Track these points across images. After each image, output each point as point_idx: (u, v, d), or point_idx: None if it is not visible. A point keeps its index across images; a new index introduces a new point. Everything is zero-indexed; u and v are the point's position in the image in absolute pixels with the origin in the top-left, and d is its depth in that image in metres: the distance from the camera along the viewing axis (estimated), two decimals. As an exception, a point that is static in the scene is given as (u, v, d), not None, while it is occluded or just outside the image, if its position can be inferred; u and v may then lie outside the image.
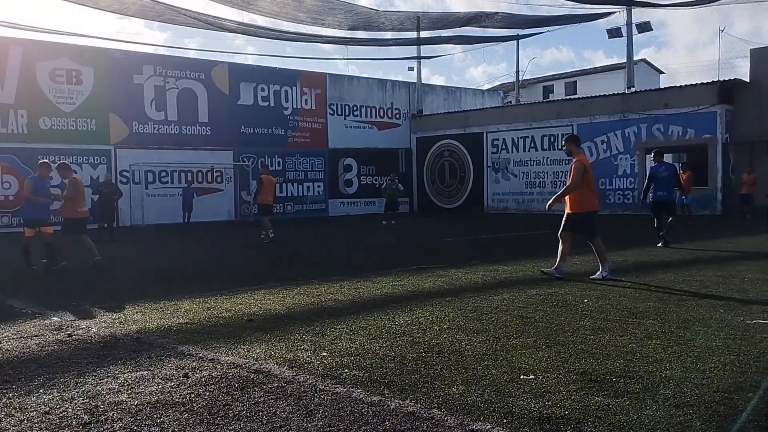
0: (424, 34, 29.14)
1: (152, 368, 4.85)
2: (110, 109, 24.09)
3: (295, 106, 28.96)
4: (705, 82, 24.16)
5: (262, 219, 16.86)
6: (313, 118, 29.58)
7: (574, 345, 5.28)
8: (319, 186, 29.75)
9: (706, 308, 6.69)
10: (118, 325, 6.50)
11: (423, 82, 33.69)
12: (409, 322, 6.33)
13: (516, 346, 5.27)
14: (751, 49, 24.39)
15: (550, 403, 3.91)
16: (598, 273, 8.98)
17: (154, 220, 24.04)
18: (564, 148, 9.82)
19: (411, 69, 34.66)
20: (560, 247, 9.14)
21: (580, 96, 35.59)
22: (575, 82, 49.58)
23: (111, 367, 4.90)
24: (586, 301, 7.27)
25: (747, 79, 23.72)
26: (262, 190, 16.68)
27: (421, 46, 31.54)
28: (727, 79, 24.16)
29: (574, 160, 9.15)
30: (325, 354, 5.14)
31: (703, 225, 19.03)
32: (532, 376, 4.44)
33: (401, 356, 5.03)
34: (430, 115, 32.86)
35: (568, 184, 9.20)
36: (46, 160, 11.88)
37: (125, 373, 4.74)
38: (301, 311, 7.08)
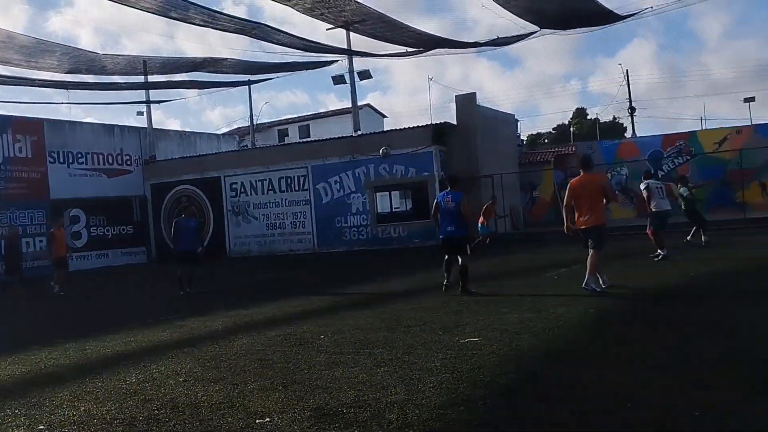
0: (154, 77, 28.24)
1: None
2: None
3: (6, 155, 26.11)
4: (421, 125, 26.60)
5: (59, 272, 17.14)
6: (30, 168, 26.89)
7: (310, 381, 5.44)
8: (41, 241, 27.00)
9: (428, 332, 7.31)
10: None
11: (157, 126, 32.55)
12: (142, 379, 6.02)
13: (253, 391, 5.28)
14: (455, 96, 27.45)
15: (284, 443, 3.98)
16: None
17: None
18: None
19: (140, 113, 33.32)
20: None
21: (313, 139, 37.02)
22: (308, 125, 51.45)
23: None
24: (322, 337, 7.53)
25: (455, 122, 26.58)
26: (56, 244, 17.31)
27: (155, 90, 30.48)
28: (438, 122, 26.82)
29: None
30: (42, 428, 4.68)
31: (427, 256, 20.78)
32: (267, 419, 4.48)
33: (131, 417, 4.76)
34: (164, 161, 31.75)
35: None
36: None
37: None
38: (15, 382, 6.35)
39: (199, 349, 7.36)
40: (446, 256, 10.87)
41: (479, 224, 20.00)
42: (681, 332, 6.40)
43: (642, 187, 14.33)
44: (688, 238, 15.75)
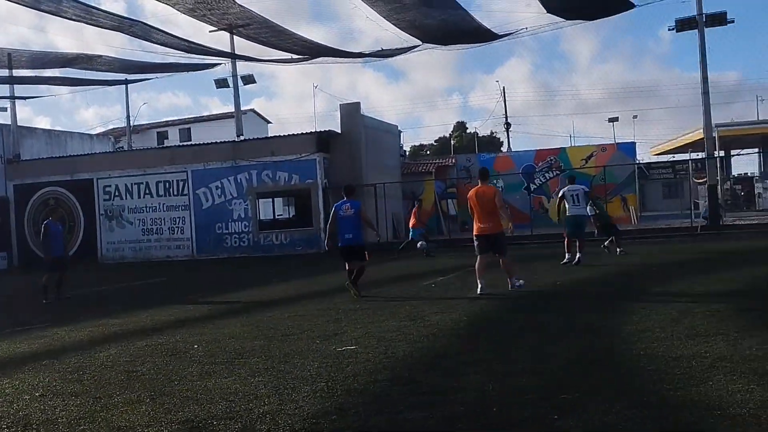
0: (20, 72, 26.44)
1: None
2: None
3: None
4: (305, 132, 26.51)
5: None
6: None
7: (180, 393, 5.25)
8: None
9: (306, 341, 7.26)
10: None
11: (23, 123, 30.45)
12: (-7, 395, 5.60)
13: (118, 404, 5.04)
14: (340, 104, 27.60)
15: (148, 458, 3.81)
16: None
17: None
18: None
19: (3, 110, 31.11)
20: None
21: (194, 143, 36.00)
22: (189, 129, 49.99)
23: None
24: (196, 347, 7.31)
25: (340, 131, 26.68)
26: None
27: (21, 85, 28.52)
28: (322, 130, 26.85)
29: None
30: None
31: (308, 262, 20.72)
32: (131, 434, 4.28)
33: (-22, 437, 4.41)
34: (30, 161, 29.80)
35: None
36: None
37: None
38: None
39: (61, 361, 6.93)
40: (347, 265, 10.95)
41: (411, 228, 20.81)
42: (545, 337, 6.70)
43: (558, 194, 15.11)
44: (619, 249, 16.51)
